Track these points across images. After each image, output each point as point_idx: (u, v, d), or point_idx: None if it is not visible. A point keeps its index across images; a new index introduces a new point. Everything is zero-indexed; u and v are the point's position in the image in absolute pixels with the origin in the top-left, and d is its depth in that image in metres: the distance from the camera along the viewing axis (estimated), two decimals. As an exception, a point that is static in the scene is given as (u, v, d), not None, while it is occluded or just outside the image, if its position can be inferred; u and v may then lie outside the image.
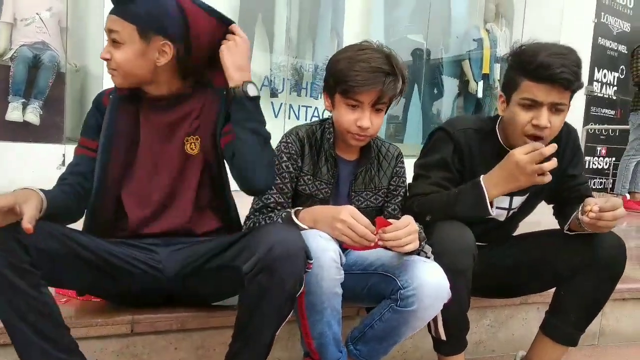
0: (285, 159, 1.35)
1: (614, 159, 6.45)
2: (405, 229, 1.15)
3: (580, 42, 5.90)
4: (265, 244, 1.04)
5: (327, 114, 4.93)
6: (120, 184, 1.25)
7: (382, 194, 1.46)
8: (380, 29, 5.07)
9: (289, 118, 4.73)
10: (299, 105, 4.80)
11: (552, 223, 1.62)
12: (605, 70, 6.43)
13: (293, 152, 1.36)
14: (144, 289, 1.23)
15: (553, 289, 1.58)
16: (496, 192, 1.37)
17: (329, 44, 4.67)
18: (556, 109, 1.35)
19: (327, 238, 1.15)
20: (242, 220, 1.37)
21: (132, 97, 1.26)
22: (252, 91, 1.20)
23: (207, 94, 1.29)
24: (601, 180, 6.46)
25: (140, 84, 1.24)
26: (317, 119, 4.91)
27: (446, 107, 5.80)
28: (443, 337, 1.38)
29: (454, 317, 1.36)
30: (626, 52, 6.55)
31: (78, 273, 1.11)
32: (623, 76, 6.64)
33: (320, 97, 4.73)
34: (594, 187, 6.28)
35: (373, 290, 1.30)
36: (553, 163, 1.28)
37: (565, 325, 1.52)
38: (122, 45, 1.16)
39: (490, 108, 5.57)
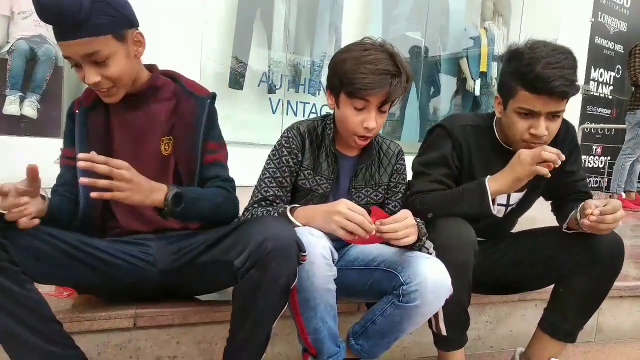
0: (285, 153, 1.36)
1: (609, 157, 6.49)
2: (403, 222, 1.16)
3: (577, 41, 5.94)
4: (257, 238, 1.04)
5: (324, 110, 4.93)
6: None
7: (382, 191, 1.47)
8: (378, 26, 5.07)
9: (287, 114, 4.73)
10: (297, 102, 4.80)
11: (547, 219, 1.63)
12: (601, 70, 6.47)
13: (294, 146, 1.37)
14: (136, 283, 1.22)
15: (551, 286, 1.60)
16: (495, 186, 1.38)
17: (327, 40, 4.67)
18: (553, 115, 1.37)
19: (319, 235, 1.15)
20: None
21: (99, 104, 1.24)
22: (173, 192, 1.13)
23: (181, 95, 1.28)
24: (596, 179, 6.50)
25: (130, 86, 1.21)
26: (315, 115, 4.93)
27: (444, 105, 5.81)
28: (444, 332, 1.39)
29: (455, 312, 1.37)
30: (623, 51, 6.59)
31: (66, 270, 1.10)
32: (619, 75, 6.68)
33: (318, 93, 4.74)
34: (589, 186, 6.31)
35: (375, 285, 1.31)
36: (550, 167, 1.31)
37: (563, 321, 1.54)
38: (108, 60, 1.12)
39: (487, 106, 5.59)
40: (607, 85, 6.61)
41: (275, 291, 1.06)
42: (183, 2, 3.63)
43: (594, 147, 6.53)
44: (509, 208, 1.60)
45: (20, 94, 3.34)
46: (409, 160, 1.51)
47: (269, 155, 1.39)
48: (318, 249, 1.13)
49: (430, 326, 1.41)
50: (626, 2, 6.59)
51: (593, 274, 1.47)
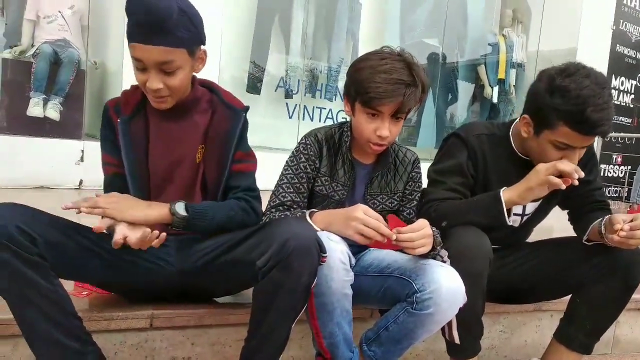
0: (303, 159, 1.38)
1: (629, 167, 6.37)
2: (420, 232, 1.17)
3: (598, 49, 5.86)
4: (279, 239, 1.05)
5: (341, 116, 4.95)
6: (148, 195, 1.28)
7: (397, 198, 1.47)
8: (396, 33, 5.08)
9: (303, 119, 4.76)
10: (314, 107, 4.82)
11: (565, 227, 1.62)
12: (622, 78, 6.36)
13: (312, 153, 1.38)
14: (155, 282, 1.25)
15: (568, 297, 1.58)
16: (509, 195, 1.38)
17: (344, 46, 4.69)
18: (585, 147, 1.38)
19: (337, 240, 1.17)
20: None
21: (138, 112, 1.26)
22: (180, 209, 1.15)
23: (218, 106, 1.30)
24: (616, 188, 6.38)
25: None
26: (331, 120, 4.96)
27: (460, 111, 5.78)
28: (457, 340, 1.39)
29: (469, 321, 1.37)
30: (644, 60, 6.48)
31: (87, 266, 1.13)
32: (641, 84, 6.57)
33: (335, 99, 4.76)
34: (609, 195, 6.21)
35: (388, 292, 1.31)
36: (567, 182, 1.31)
37: (579, 333, 1.52)
38: (177, 71, 1.15)
39: (505, 113, 5.54)
40: (628, 94, 6.50)
41: (296, 290, 1.08)
42: (202, 8, 3.69)
43: (614, 157, 6.42)
44: (525, 218, 1.59)
45: (44, 96, 3.42)
46: (424, 167, 1.51)
47: (286, 161, 1.41)
48: (337, 253, 1.14)
49: (444, 334, 1.41)
50: (649, 9, 6.49)
51: (611, 285, 1.46)
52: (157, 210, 1.14)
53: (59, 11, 3.59)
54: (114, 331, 1.29)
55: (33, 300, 1.01)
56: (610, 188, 6.30)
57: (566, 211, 1.65)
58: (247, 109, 1.33)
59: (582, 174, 1.30)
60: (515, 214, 1.56)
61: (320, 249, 1.08)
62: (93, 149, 3.39)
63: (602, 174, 6.15)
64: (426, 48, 5.32)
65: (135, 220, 1.09)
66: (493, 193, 1.40)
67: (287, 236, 1.05)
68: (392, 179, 1.46)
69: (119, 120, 1.24)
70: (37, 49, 3.46)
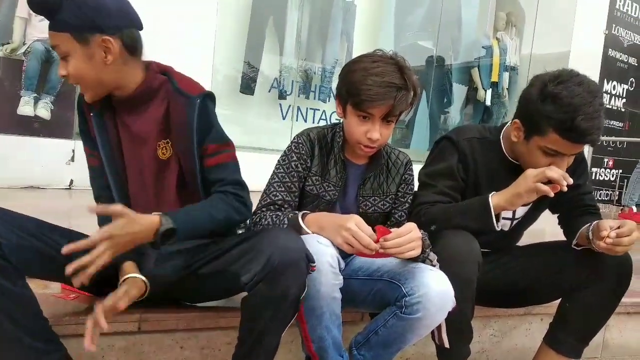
0: (295, 158, 1.37)
1: (621, 170, 6.42)
2: (408, 236, 1.16)
3: (591, 53, 5.90)
4: (265, 252, 1.03)
5: (334, 117, 4.94)
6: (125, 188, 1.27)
7: (389, 200, 1.47)
8: (390, 35, 5.09)
9: (297, 120, 4.75)
10: (307, 108, 4.82)
11: (556, 232, 1.62)
12: (614, 82, 6.41)
13: (303, 152, 1.38)
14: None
15: (557, 301, 1.59)
16: (497, 200, 1.38)
17: (339, 48, 4.69)
18: (574, 154, 1.39)
19: (326, 244, 1.16)
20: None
21: (106, 105, 1.24)
22: (166, 239, 1.08)
23: (172, 95, 1.24)
24: (607, 192, 6.43)
25: (109, 90, 1.21)
26: (324, 122, 4.95)
27: (454, 114, 5.80)
28: (447, 345, 1.38)
29: (458, 325, 1.37)
30: (637, 64, 6.54)
31: (60, 269, 1.08)
32: (632, 88, 6.62)
33: (329, 100, 4.76)
34: (599, 198, 6.25)
35: (378, 296, 1.31)
36: (555, 188, 1.31)
37: (569, 337, 1.53)
38: (68, 57, 1.14)
39: (498, 116, 5.57)
40: (620, 98, 6.55)
41: (284, 304, 1.06)
42: (196, 8, 3.67)
43: (606, 160, 6.46)
44: (515, 221, 1.60)
45: (35, 95, 3.39)
46: (416, 168, 1.51)
47: (278, 160, 1.40)
48: (326, 257, 1.13)
49: (433, 338, 1.41)
50: (641, 14, 6.55)
51: (600, 290, 1.46)
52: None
53: (51, 9, 3.56)
54: (101, 335, 1.26)
55: None
56: (601, 191, 6.34)
57: (556, 215, 1.66)
58: (205, 94, 1.24)
59: (571, 181, 1.30)
60: (504, 218, 1.56)
61: (309, 259, 1.07)
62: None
63: (593, 178, 6.20)
64: (420, 50, 5.33)
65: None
66: (482, 198, 1.40)
67: (272, 250, 1.03)
68: (384, 181, 1.46)
69: (92, 114, 1.24)
70: (28, 47, 3.43)
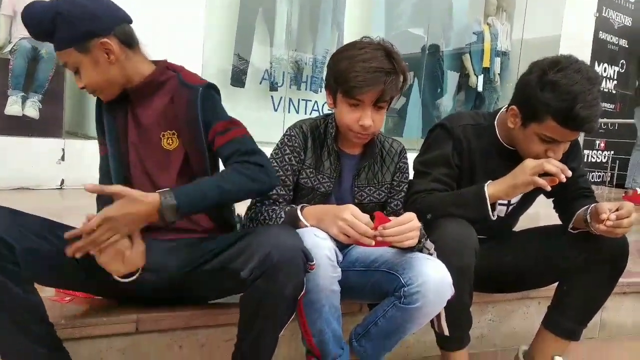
0: (288, 151, 1.36)
1: (612, 152, 6.46)
2: (408, 225, 1.15)
3: (582, 36, 5.90)
4: (263, 249, 1.03)
5: (326, 108, 4.91)
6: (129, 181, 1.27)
7: (385, 189, 1.46)
8: (381, 23, 5.04)
9: (289, 112, 4.72)
10: (299, 99, 4.79)
11: (551, 214, 1.63)
12: (605, 65, 6.43)
13: (296, 145, 1.36)
14: (138, 289, 1.20)
15: (555, 284, 1.59)
16: (493, 190, 1.37)
17: (329, 37, 4.65)
18: (571, 141, 1.38)
19: (323, 236, 1.15)
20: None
21: (119, 98, 1.27)
22: (170, 215, 1.07)
23: (177, 87, 1.26)
24: (600, 173, 6.47)
25: (120, 87, 1.24)
26: (316, 112, 4.92)
27: (446, 101, 5.78)
28: (446, 332, 1.39)
29: (457, 313, 1.37)
30: (627, 46, 6.55)
31: (67, 272, 1.11)
32: (623, 70, 6.64)
33: (320, 91, 4.73)
34: (592, 180, 6.29)
35: (376, 287, 1.30)
36: (549, 181, 1.31)
37: (567, 319, 1.54)
38: (79, 70, 1.20)
39: (490, 101, 5.56)
40: (611, 80, 6.57)
41: (281, 302, 1.06)
42: (185, 1, 3.62)
43: (598, 142, 6.49)
44: (511, 207, 1.59)
45: (23, 94, 3.33)
46: (411, 157, 1.50)
47: (271, 154, 1.38)
48: (323, 250, 1.13)
49: (433, 326, 1.41)
50: (631, -4, 6.55)
51: (597, 272, 1.47)
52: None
53: (36, 6, 3.49)
54: (99, 337, 1.26)
55: (4, 306, 0.99)
56: (593, 173, 6.38)
57: (551, 199, 1.66)
58: (208, 84, 1.26)
59: (569, 174, 1.30)
60: (500, 204, 1.55)
61: (307, 257, 1.06)
62: (74, 148, 3.32)
63: (585, 160, 6.23)
64: (412, 38, 5.30)
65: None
66: (477, 188, 1.40)
67: (271, 247, 1.03)
68: (379, 170, 1.45)
69: (104, 104, 1.28)
70: (14, 45, 3.36)
